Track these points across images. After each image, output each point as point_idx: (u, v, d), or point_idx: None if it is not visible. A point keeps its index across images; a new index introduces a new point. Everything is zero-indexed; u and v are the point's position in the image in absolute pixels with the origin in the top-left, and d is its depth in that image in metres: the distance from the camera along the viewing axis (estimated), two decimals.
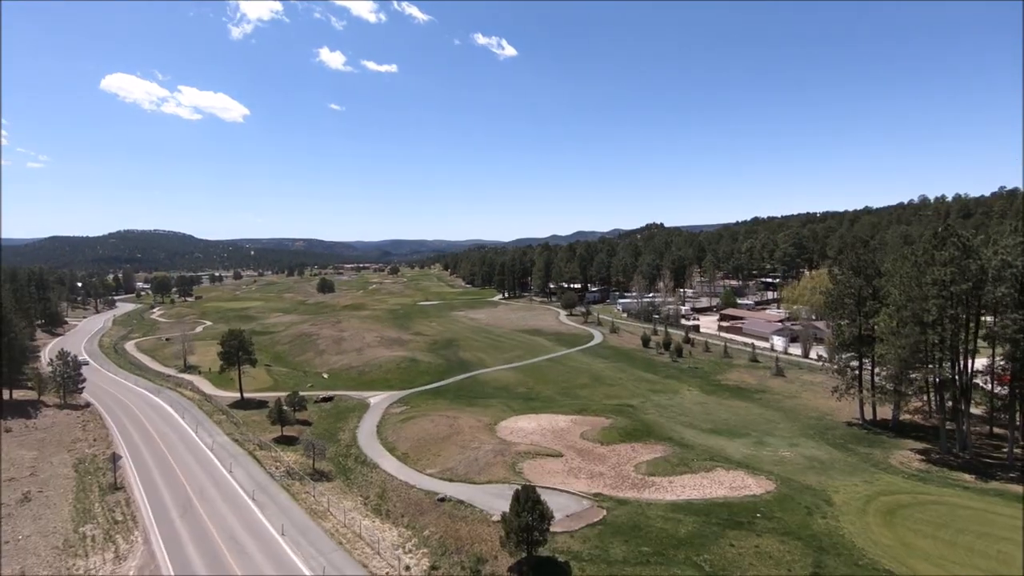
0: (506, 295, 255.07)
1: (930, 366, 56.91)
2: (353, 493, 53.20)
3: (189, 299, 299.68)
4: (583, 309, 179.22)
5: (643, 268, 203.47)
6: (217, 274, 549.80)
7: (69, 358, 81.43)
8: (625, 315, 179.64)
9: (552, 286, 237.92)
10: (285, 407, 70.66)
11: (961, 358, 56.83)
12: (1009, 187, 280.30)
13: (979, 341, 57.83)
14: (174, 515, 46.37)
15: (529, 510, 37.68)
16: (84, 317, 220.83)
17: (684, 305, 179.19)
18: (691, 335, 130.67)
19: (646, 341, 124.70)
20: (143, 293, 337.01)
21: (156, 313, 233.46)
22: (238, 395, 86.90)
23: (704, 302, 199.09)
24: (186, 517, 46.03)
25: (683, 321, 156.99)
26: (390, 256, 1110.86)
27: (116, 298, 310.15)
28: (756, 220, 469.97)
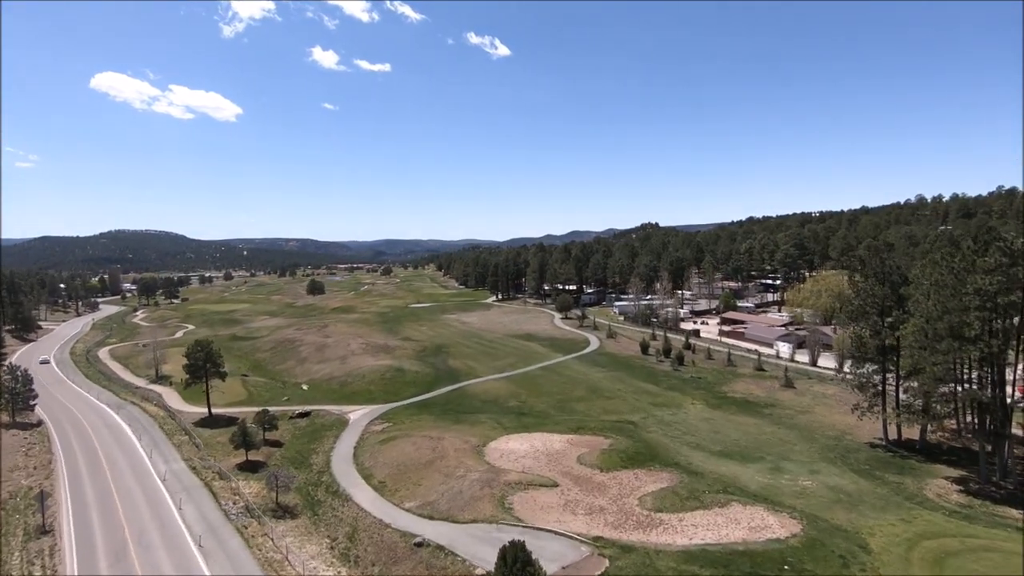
0: (500, 297, 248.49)
1: (970, 385, 50.85)
2: (319, 534, 46.64)
3: (175, 301, 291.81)
4: (579, 312, 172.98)
5: (640, 269, 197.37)
6: (207, 275, 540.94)
7: (19, 371, 74.19)
8: (622, 318, 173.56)
9: (547, 288, 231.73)
10: (251, 426, 63.87)
11: (1003, 374, 50.84)
12: (1007, 186, 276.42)
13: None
14: (102, 566, 39.66)
15: (518, 573, 31.31)
16: (63, 321, 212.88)
17: (683, 308, 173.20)
18: (692, 341, 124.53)
19: (645, 347, 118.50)
20: (128, 295, 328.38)
21: (139, 316, 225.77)
22: (206, 411, 79.95)
23: (703, 304, 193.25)
24: (116, 569, 39.35)
25: (683, 325, 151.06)
26: (384, 256, 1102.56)
27: (100, 300, 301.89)
28: (752, 220, 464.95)
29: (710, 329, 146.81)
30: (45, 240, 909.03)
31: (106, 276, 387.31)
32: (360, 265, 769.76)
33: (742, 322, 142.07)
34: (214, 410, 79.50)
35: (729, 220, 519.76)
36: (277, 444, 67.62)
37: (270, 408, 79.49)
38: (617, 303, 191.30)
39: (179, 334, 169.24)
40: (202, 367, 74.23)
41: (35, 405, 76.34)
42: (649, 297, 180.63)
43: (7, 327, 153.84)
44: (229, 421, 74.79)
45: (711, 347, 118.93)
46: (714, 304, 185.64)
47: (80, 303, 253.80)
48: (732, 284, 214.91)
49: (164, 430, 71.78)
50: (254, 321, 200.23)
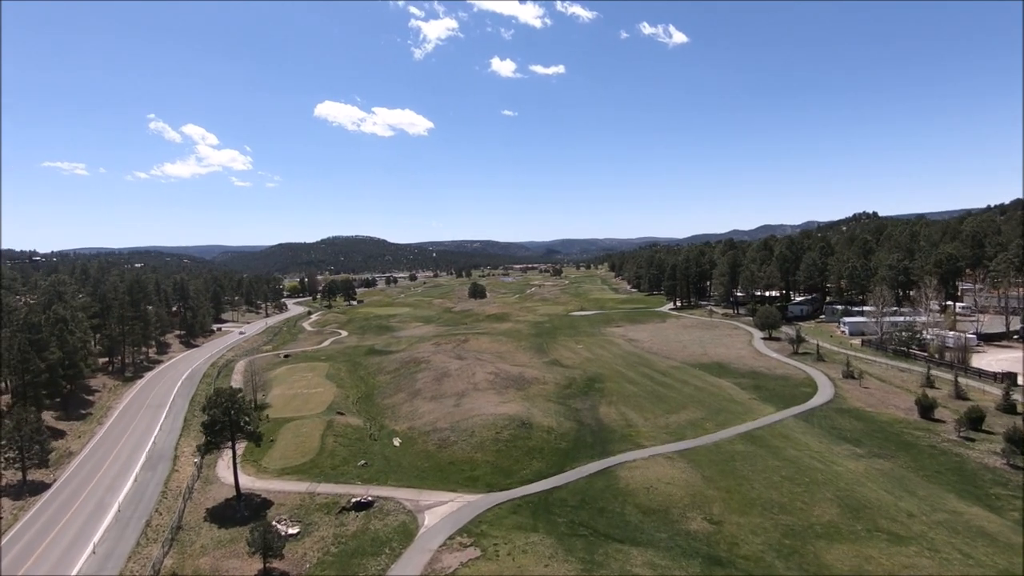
0: (678, 304, 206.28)
1: None
2: None
3: (354, 303, 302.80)
4: (790, 331, 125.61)
5: (884, 272, 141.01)
6: (393, 276, 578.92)
7: (30, 417, 57.71)
8: (857, 342, 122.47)
9: (739, 294, 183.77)
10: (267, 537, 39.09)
11: None
12: None
13: None
14: None
15: None
16: (249, 323, 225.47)
17: (966, 332, 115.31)
18: (1013, 396, 73.16)
19: (926, 407, 71.57)
20: (317, 296, 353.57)
21: (310, 320, 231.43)
22: (243, 486, 56.59)
23: (988, 324, 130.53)
24: None
25: (975, 362, 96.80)
26: (557, 255, 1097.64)
27: (294, 301, 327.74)
28: (1018, 202, 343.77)
29: (1013, 364, 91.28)
30: (282, 247, 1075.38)
31: (306, 279, 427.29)
32: (534, 265, 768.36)
33: None
34: (256, 480, 57.32)
35: (984, 205, 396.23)
36: None
37: (323, 489, 55.24)
38: (846, 319, 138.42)
39: (327, 343, 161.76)
40: (223, 427, 52.08)
41: (49, 459, 60.49)
42: (901, 312, 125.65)
43: (177, 332, 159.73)
44: (258, 509, 51.50)
45: None
46: (1016, 323, 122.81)
47: (270, 304, 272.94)
48: None
49: (148, 528, 48.76)
50: (405, 328, 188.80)
